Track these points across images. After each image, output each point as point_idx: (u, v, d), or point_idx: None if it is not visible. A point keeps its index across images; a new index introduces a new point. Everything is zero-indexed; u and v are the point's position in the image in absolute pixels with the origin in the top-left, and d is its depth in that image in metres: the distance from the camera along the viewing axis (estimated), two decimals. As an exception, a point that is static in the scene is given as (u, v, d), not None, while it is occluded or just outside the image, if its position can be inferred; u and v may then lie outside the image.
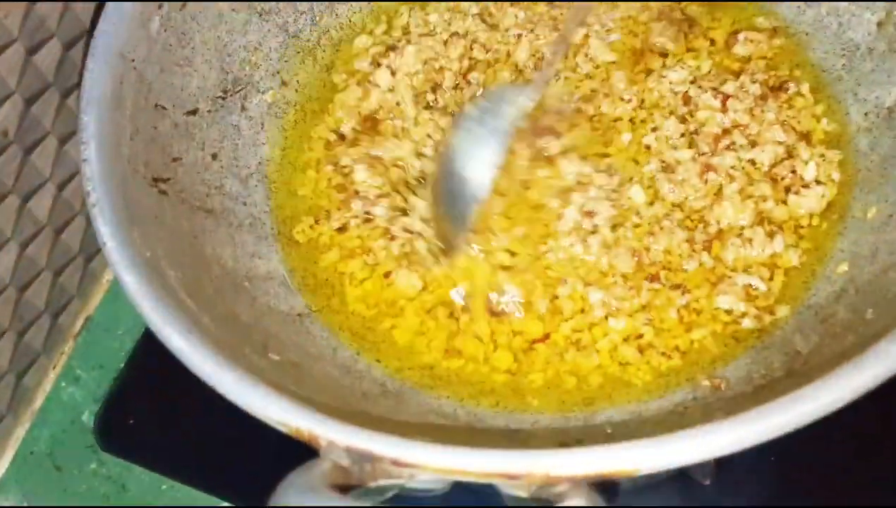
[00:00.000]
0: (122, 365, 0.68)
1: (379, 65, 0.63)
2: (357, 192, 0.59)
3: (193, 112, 0.57)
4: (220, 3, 0.59)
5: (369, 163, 0.59)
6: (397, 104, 0.62)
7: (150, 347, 0.66)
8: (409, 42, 0.63)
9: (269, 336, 0.51)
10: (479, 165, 0.54)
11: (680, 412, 0.48)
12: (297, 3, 0.63)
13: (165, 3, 0.55)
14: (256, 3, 0.61)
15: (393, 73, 0.62)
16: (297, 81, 0.64)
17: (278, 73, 0.63)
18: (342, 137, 0.62)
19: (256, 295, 0.54)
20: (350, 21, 0.66)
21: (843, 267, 0.52)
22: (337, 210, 0.59)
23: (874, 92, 0.56)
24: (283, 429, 0.39)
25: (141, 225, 0.48)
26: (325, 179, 0.61)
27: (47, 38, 0.58)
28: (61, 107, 0.61)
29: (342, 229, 0.58)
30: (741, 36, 0.61)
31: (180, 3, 0.56)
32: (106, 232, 0.45)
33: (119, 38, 0.52)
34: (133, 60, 0.53)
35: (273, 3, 0.62)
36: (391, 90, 0.62)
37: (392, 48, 0.63)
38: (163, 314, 0.43)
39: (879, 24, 0.57)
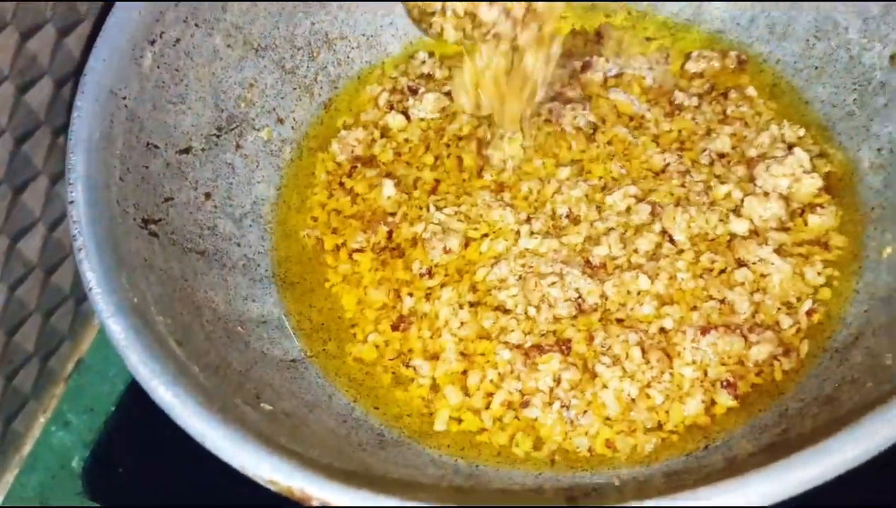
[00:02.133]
0: (112, 408, 0.66)
1: (392, 108, 0.64)
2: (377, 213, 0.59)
3: (186, 150, 0.56)
4: (216, 40, 0.58)
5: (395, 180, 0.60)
6: (406, 141, 0.62)
7: (140, 390, 0.63)
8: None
9: (262, 384, 0.49)
10: None
11: (693, 467, 0.46)
12: (294, 39, 0.62)
13: (158, 39, 0.54)
14: (253, 40, 0.60)
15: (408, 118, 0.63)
16: (294, 119, 0.63)
17: (274, 109, 0.62)
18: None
19: (249, 340, 0.52)
20: (348, 57, 0.65)
21: (860, 309, 0.50)
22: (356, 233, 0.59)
23: (888, 127, 0.55)
24: (274, 488, 0.37)
25: (129, 269, 0.46)
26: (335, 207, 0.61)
27: (39, 76, 0.57)
28: (53, 145, 0.60)
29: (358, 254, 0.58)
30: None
31: (174, 38, 0.55)
32: (92, 277, 0.44)
33: (110, 74, 0.51)
34: (124, 98, 0.52)
35: (269, 40, 0.61)
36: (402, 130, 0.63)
37: (413, 91, 0.64)
38: (149, 365, 0.41)
39: (892, 57, 0.56)
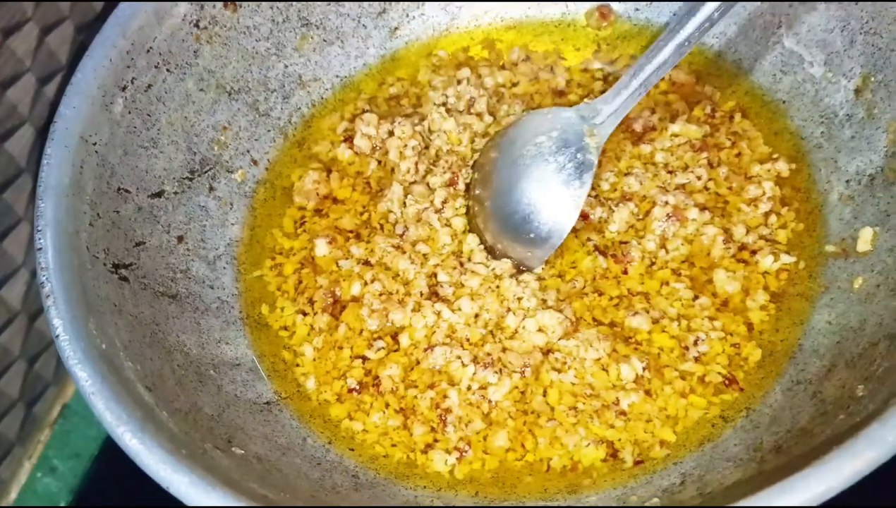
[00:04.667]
0: (98, 453, 0.66)
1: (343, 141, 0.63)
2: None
3: (159, 194, 0.56)
4: (188, 84, 0.58)
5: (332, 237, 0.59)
6: (358, 173, 0.62)
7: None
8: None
9: (234, 428, 0.49)
10: (561, 206, 0.54)
11: (668, 498, 0.46)
12: (268, 81, 0.63)
13: (129, 85, 0.54)
14: (226, 83, 0.60)
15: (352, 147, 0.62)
16: (268, 159, 0.63)
17: (248, 151, 0.62)
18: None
19: (222, 383, 0.52)
20: (322, 98, 0.65)
21: (833, 340, 0.50)
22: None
23: (855, 159, 0.55)
24: (242, 534, 0.37)
25: (98, 315, 0.46)
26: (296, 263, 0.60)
27: (19, 124, 0.57)
28: (34, 193, 0.59)
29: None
30: None
31: (146, 84, 0.56)
32: (59, 324, 0.44)
33: (80, 121, 0.51)
34: (95, 144, 0.52)
35: (243, 83, 0.61)
36: (351, 164, 0.62)
37: (354, 118, 0.63)
38: (115, 411, 0.41)
39: (857, 91, 0.56)
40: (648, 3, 0.65)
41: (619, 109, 0.54)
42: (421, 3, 0.66)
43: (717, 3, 0.50)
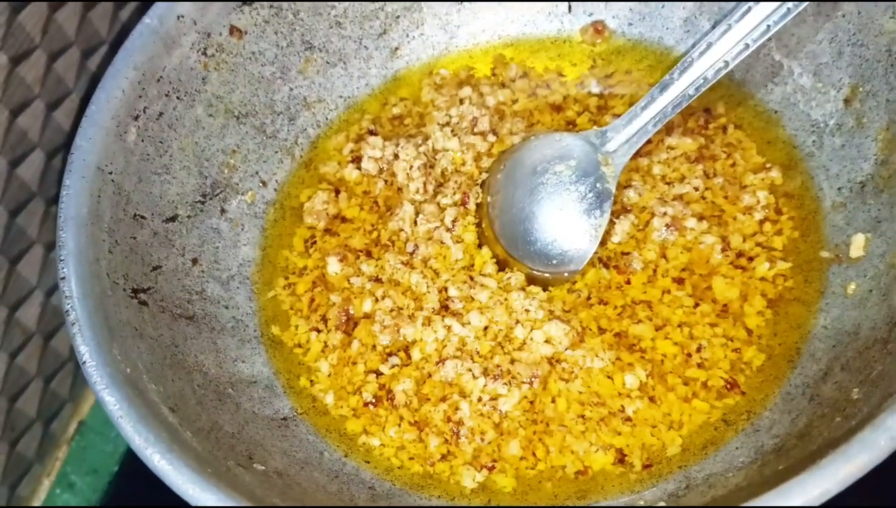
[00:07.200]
0: (116, 468, 0.67)
1: (350, 162, 0.65)
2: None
3: (173, 219, 0.58)
4: (198, 111, 0.60)
5: (342, 255, 0.60)
6: (365, 192, 0.63)
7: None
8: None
9: (254, 444, 0.50)
10: (584, 235, 0.57)
11: (674, 501, 0.48)
12: (274, 105, 0.64)
13: (142, 114, 0.56)
14: (234, 108, 0.62)
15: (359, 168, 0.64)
16: (277, 180, 0.64)
17: (257, 173, 0.64)
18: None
19: (240, 401, 0.53)
20: (327, 119, 0.67)
21: (829, 344, 0.52)
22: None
23: (846, 167, 0.57)
24: (267, 551, 0.38)
25: (121, 339, 0.48)
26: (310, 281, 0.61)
27: (30, 150, 0.59)
28: (46, 215, 0.61)
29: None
30: None
31: (157, 112, 0.57)
32: (85, 351, 0.46)
33: (95, 151, 0.53)
34: (111, 173, 0.53)
35: (250, 107, 0.63)
36: (358, 183, 0.64)
37: (360, 139, 0.65)
38: (143, 434, 0.43)
39: (846, 101, 0.58)
40: (642, 18, 0.66)
41: (633, 139, 0.57)
42: (420, 5, 0.68)
43: (733, 40, 0.54)
